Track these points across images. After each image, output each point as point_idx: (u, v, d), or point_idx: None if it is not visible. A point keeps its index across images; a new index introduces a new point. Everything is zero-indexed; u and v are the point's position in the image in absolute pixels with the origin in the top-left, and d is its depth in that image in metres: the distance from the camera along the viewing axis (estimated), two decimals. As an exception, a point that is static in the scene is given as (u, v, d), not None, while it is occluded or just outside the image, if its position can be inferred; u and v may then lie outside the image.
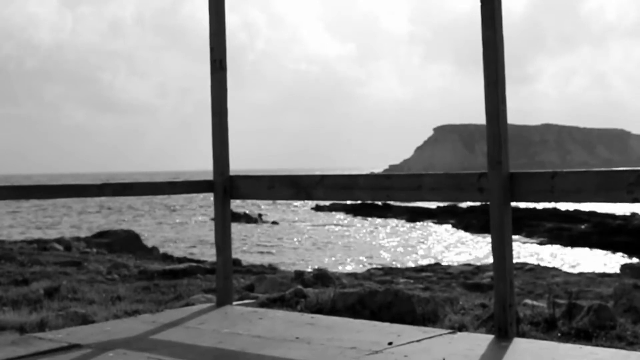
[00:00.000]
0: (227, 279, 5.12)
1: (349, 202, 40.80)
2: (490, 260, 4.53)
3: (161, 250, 16.84)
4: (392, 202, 39.78)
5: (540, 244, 30.87)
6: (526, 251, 27.52)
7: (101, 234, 18.97)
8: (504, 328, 3.92)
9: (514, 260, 4.15)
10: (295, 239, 34.54)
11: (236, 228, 32.60)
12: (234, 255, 4.78)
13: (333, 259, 26.24)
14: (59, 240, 16.30)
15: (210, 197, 5.29)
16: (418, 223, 42.81)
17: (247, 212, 47.00)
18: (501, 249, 3.92)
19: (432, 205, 44.08)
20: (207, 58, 5.10)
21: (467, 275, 14.11)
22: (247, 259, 21.38)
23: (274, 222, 45.45)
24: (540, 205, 34.76)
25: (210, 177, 5.19)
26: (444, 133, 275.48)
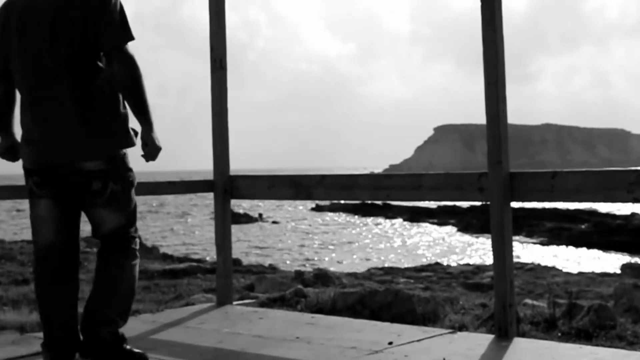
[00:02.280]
0: (228, 279, 5.12)
1: (349, 201, 40.76)
2: (491, 260, 4.53)
3: (161, 250, 16.84)
4: (392, 202, 39.78)
5: (541, 243, 30.85)
6: (526, 251, 27.51)
7: (101, 234, 18.90)
8: (504, 328, 3.92)
9: (514, 260, 4.15)
10: (295, 239, 34.54)
11: (236, 228, 32.61)
12: (234, 255, 4.78)
13: (333, 258, 26.24)
14: (59, 240, 16.27)
15: (209, 196, 5.30)
16: (418, 223, 42.80)
17: (247, 212, 47.01)
18: (501, 249, 3.92)
19: (432, 205, 44.06)
20: (207, 57, 5.10)
21: (467, 275, 14.09)
22: (248, 258, 21.38)
23: (274, 222, 45.43)
24: (540, 205, 34.73)
25: (210, 176, 5.19)
26: (444, 133, 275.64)
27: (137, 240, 3.40)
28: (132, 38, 3.14)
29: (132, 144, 3.22)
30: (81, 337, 3.33)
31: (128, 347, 3.32)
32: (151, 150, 3.16)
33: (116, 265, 3.32)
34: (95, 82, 3.12)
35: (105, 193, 3.18)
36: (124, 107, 3.22)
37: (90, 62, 3.13)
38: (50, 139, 3.13)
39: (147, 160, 3.20)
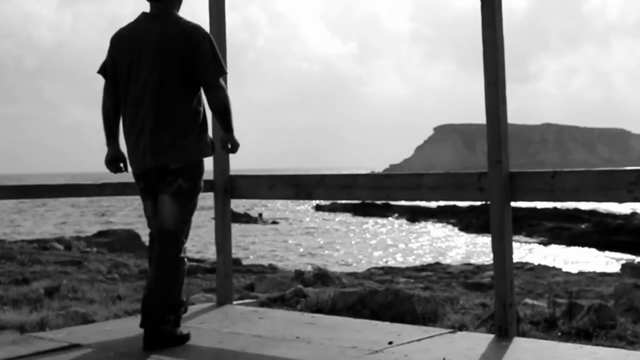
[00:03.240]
0: (227, 279, 5.12)
1: (349, 201, 40.72)
2: (491, 259, 4.53)
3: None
4: (392, 202, 39.75)
5: (541, 243, 30.86)
6: (526, 250, 27.52)
7: (101, 234, 18.98)
8: (504, 327, 3.92)
9: (514, 260, 4.15)
10: (295, 239, 34.54)
11: (236, 228, 32.57)
12: (234, 255, 4.78)
13: (333, 258, 26.24)
14: (59, 240, 16.30)
15: (209, 196, 5.29)
16: (418, 222, 42.81)
17: (247, 212, 46.98)
18: (501, 249, 3.92)
19: (433, 204, 44.06)
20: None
21: (468, 275, 14.09)
22: (247, 258, 21.37)
23: (274, 222, 45.41)
24: (540, 205, 34.73)
25: (210, 176, 5.19)
26: (444, 132, 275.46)
27: (184, 247, 4.01)
28: (224, 73, 3.95)
29: (210, 154, 4.08)
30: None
31: (179, 331, 3.96)
32: (233, 146, 4.06)
33: (167, 271, 3.92)
34: (187, 106, 3.93)
35: (175, 184, 3.92)
36: (205, 126, 4.06)
37: (183, 89, 3.90)
38: (149, 146, 3.89)
39: (229, 152, 4.12)
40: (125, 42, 3.96)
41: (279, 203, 60.38)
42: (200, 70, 3.87)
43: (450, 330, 4.34)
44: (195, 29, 3.89)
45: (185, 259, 4.00)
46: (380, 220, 44.70)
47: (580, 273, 15.08)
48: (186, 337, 3.97)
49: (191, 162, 3.97)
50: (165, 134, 3.89)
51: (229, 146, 4.07)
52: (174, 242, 3.94)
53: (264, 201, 46.10)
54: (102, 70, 4.07)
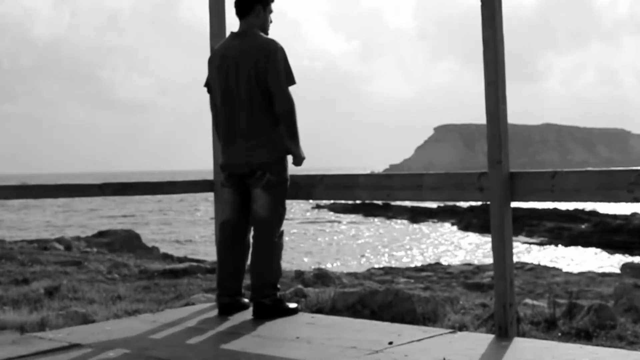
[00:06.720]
0: (228, 279, 5.10)
1: (349, 201, 40.74)
2: (491, 259, 4.53)
3: (161, 250, 16.79)
4: (392, 202, 39.75)
5: (541, 243, 30.87)
6: (526, 251, 27.52)
7: (101, 234, 18.93)
8: (505, 327, 3.92)
9: (514, 260, 4.15)
10: (295, 238, 34.54)
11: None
12: (234, 255, 4.89)
13: (333, 258, 26.24)
14: (59, 240, 16.28)
15: (209, 196, 5.29)
16: (418, 222, 42.80)
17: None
18: (501, 249, 3.92)
19: (433, 204, 44.08)
20: (207, 54, 5.09)
21: (468, 275, 14.09)
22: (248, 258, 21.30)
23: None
24: (540, 205, 34.72)
25: (210, 176, 5.19)
26: (444, 132, 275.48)
27: (281, 230, 4.58)
28: (292, 83, 4.44)
29: (287, 153, 4.54)
30: (251, 304, 4.56)
31: (284, 305, 4.59)
32: (297, 160, 4.54)
33: (262, 254, 4.50)
34: (267, 110, 4.44)
35: (264, 179, 4.46)
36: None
37: (262, 96, 4.43)
38: (238, 146, 4.51)
39: (295, 165, 4.57)
40: (216, 59, 4.56)
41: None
42: (269, 78, 4.38)
43: (450, 330, 4.34)
44: (269, 42, 4.44)
45: (281, 242, 4.57)
46: (380, 220, 44.68)
47: (580, 273, 15.07)
48: (292, 310, 4.59)
49: (273, 158, 4.50)
50: (251, 134, 4.46)
51: (295, 157, 4.53)
52: (268, 229, 4.49)
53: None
54: (207, 86, 4.69)
